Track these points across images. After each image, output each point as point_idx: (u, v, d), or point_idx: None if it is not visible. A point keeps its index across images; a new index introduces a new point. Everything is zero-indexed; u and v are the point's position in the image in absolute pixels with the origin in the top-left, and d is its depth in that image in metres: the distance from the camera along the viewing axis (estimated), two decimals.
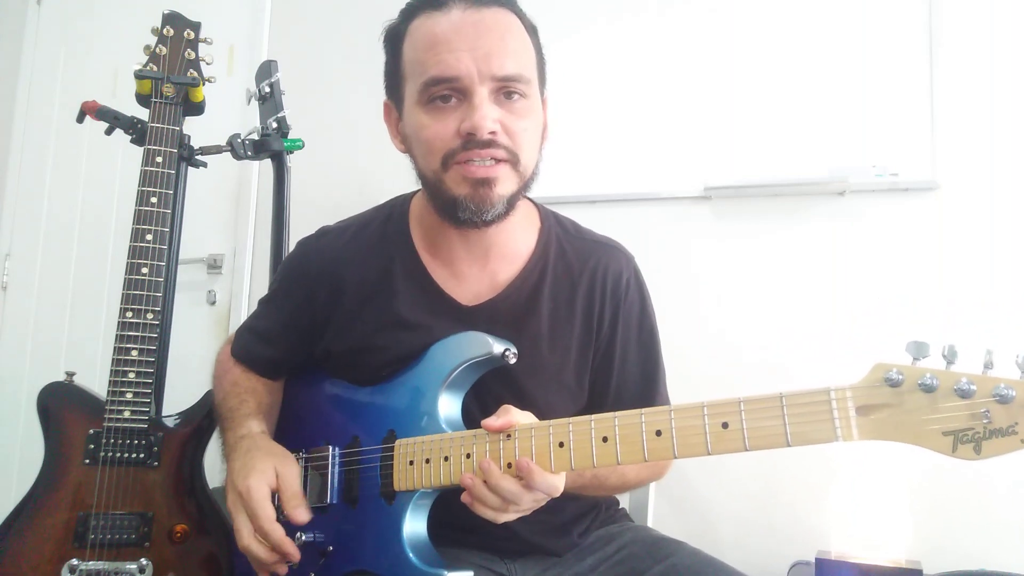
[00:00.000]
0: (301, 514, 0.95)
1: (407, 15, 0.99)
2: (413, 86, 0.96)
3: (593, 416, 0.82)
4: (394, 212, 1.11)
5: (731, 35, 1.96)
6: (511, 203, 0.96)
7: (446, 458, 0.90)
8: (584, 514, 1.09)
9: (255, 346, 1.16)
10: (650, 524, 1.31)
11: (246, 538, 0.94)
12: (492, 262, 1.05)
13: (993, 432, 0.64)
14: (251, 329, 1.19)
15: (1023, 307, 1.67)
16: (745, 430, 0.74)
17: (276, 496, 0.97)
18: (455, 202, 0.94)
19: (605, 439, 0.81)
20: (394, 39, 1.01)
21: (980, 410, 0.64)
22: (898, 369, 0.68)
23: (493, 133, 0.91)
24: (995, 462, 1.77)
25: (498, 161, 0.93)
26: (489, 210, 0.94)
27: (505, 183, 0.94)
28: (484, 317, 1.01)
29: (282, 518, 0.95)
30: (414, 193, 1.12)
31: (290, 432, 1.13)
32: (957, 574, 1.52)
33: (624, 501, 1.21)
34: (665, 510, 1.12)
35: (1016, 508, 1.63)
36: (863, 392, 0.70)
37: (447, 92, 0.92)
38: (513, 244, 1.05)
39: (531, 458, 0.84)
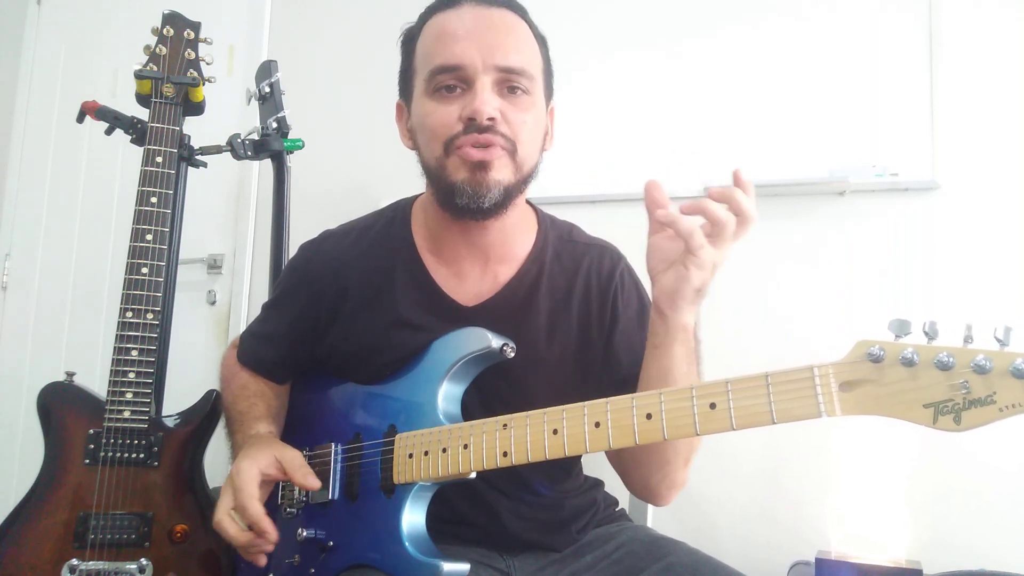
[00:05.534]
0: (312, 480, 0.97)
1: (423, 18, 1.04)
2: (421, 77, 1.00)
3: (586, 403, 0.83)
4: (397, 215, 1.13)
5: (731, 35, 1.96)
6: (508, 194, 0.98)
7: (444, 450, 0.91)
8: (582, 511, 1.09)
9: (261, 350, 1.17)
10: (649, 524, 1.31)
11: (220, 513, 0.95)
12: (493, 263, 1.07)
13: (972, 402, 0.64)
14: (255, 334, 1.20)
15: (1023, 307, 1.67)
16: (732, 409, 0.75)
17: (280, 484, 0.98)
18: (453, 188, 0.96)
19: (597, 424, 0.82)
20: (409, 40, 1.05)
21: (959, 381, 0.65)
22: (880, 345, 0.69)
23: (492, 119, 0.94)
24: (995, 461, 1.75)
25: (496, 147, 0.95)
26: (486, 195, 0.95)
27: (501, 169, 0.96)
28: (483, 317, 1.02)
29: (286, 501, 0.95)
30: (416, 197, 1.14)
31: (296, 432, 1.14)
32: (957, 574, 1.52)
33: (623, 501, 1.22)
34: (664, 509, 1.12)
35: (1016, 508, 1.63)
36: (846, 368, 0.71)
37: (452, 82, 0.96)
38: (512, 245, 1.07)
39: (526, 446, 0.85)
